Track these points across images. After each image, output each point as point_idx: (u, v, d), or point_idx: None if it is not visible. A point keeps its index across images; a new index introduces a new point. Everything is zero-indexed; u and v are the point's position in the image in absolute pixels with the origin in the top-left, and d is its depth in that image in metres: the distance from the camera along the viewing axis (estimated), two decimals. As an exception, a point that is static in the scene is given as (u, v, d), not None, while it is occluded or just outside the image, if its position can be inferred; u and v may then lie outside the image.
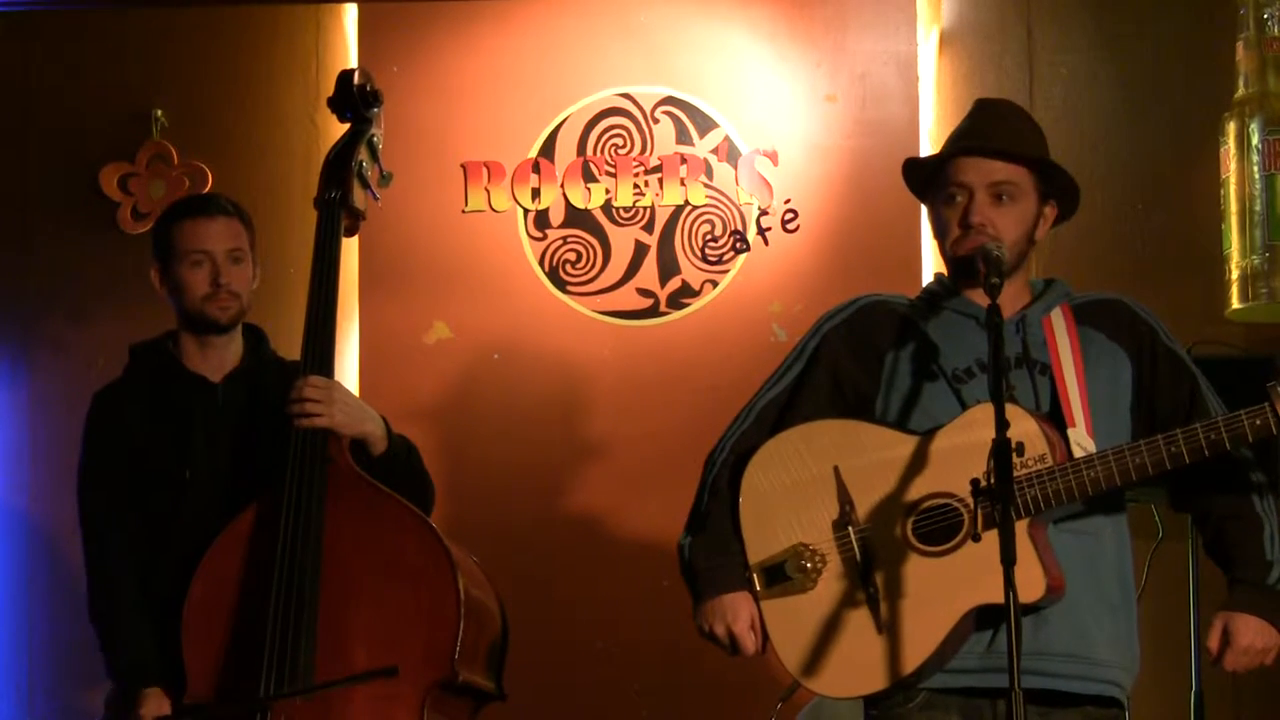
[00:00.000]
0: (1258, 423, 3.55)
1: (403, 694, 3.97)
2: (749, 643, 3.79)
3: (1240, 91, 5.51)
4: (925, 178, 3.87)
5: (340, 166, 4.30)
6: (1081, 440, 3.67)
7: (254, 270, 4.39)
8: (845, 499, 3.72)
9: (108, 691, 4.31)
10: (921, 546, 3.65)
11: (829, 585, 3.71)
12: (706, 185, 5.77)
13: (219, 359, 4.37)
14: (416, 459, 4.36)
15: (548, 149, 5.80)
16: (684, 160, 5.77)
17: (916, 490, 3.68)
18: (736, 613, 3.78)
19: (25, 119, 5.93)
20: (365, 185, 4.33)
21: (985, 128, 3.83)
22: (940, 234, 3.83)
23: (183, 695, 4.09)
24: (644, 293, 5.76)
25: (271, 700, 3.94)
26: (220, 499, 4.23)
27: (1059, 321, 3.80)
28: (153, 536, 4.28)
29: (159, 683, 4.18)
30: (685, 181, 5.77)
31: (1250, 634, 3.70)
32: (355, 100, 4.34)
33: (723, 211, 5.76)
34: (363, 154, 4.33)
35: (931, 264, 5.58)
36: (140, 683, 4.20)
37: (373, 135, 4.36)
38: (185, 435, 4.31)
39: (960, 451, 3.64)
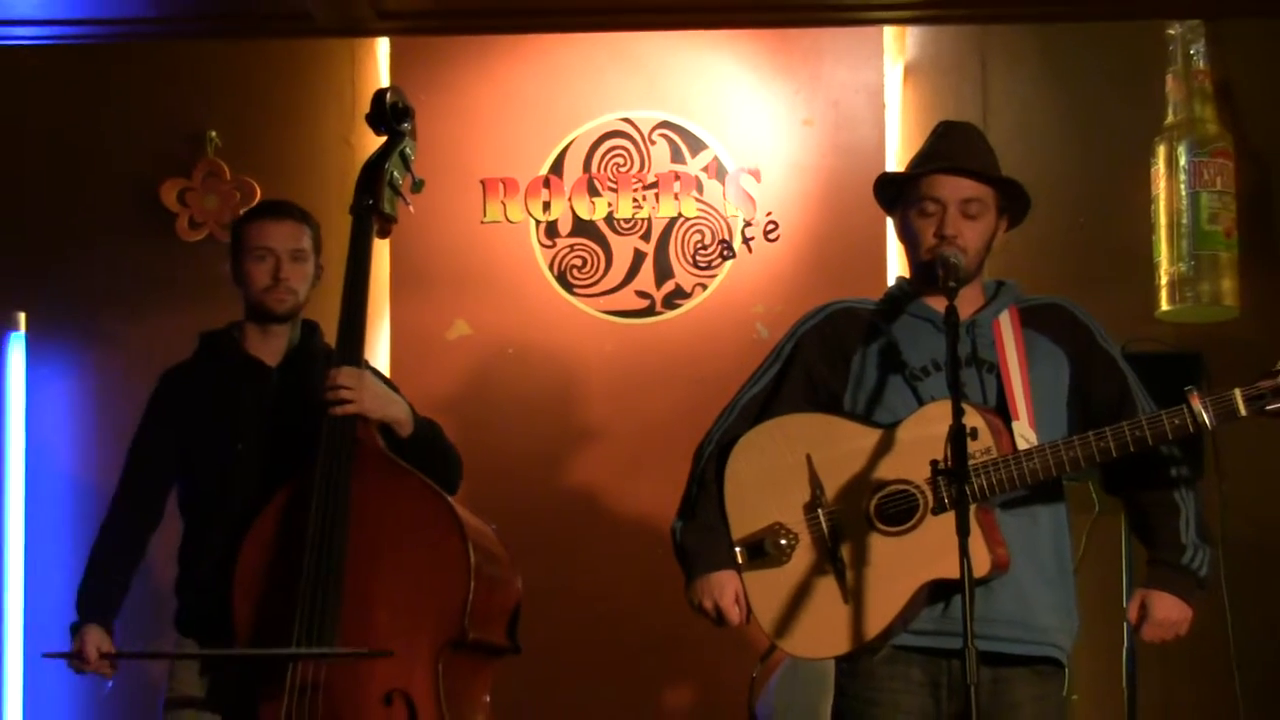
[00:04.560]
0: (1176, 422, 3.69)
1: (418, 651, 4.06)
2: (734, 615, 3.92)
3: (1170, 118, 5.75)
4: (896, 190, 3.95)
5: (374, 175, 4.41)
6: (1024, 432, 3.79)
7: (315, 270, 4.50)
8: (816, 484, 3.84)
9: (170, 665, 4.44)
10: (883, 527, 3.78)
11: (801, 559, 3.84)
12: (697, 199, 5.93)
13: (277, 346, 4.50)
14: (442, 438, 4.45)
15: (557, 167, 5.96)
16: (678, 177, 5.93)
17: (879, 477, 3.80)
18: (723, 589, 3.92)
19: (95, 139, 6.07)
20: (396, 192, 4.42)
21: (955, 149, 3.91)
22: (911, 241, 3.90)
23: (229, 646, 4.22)
24: (642, 294, 5.94)
25: (297, 656, 4.05)
26: (269, 471, 4.35)
27: (1006, 325, 3.90)
28: (207, 502, 4.41)
29: (101, 622, 4.31)
30: (679, 196, 5.93)
31: (1165, 608, 3.86)
32: (388, 115, 4.44)
33: (712, 223, 5.93)
34: (394, 164, 4.42)
35: (895, 269, 5.73)
36: (85, 617, 4.33)
37: (404, 147, 4.45)
38: (239, 412, 4.44)
39: (918, 443, 3.75)
